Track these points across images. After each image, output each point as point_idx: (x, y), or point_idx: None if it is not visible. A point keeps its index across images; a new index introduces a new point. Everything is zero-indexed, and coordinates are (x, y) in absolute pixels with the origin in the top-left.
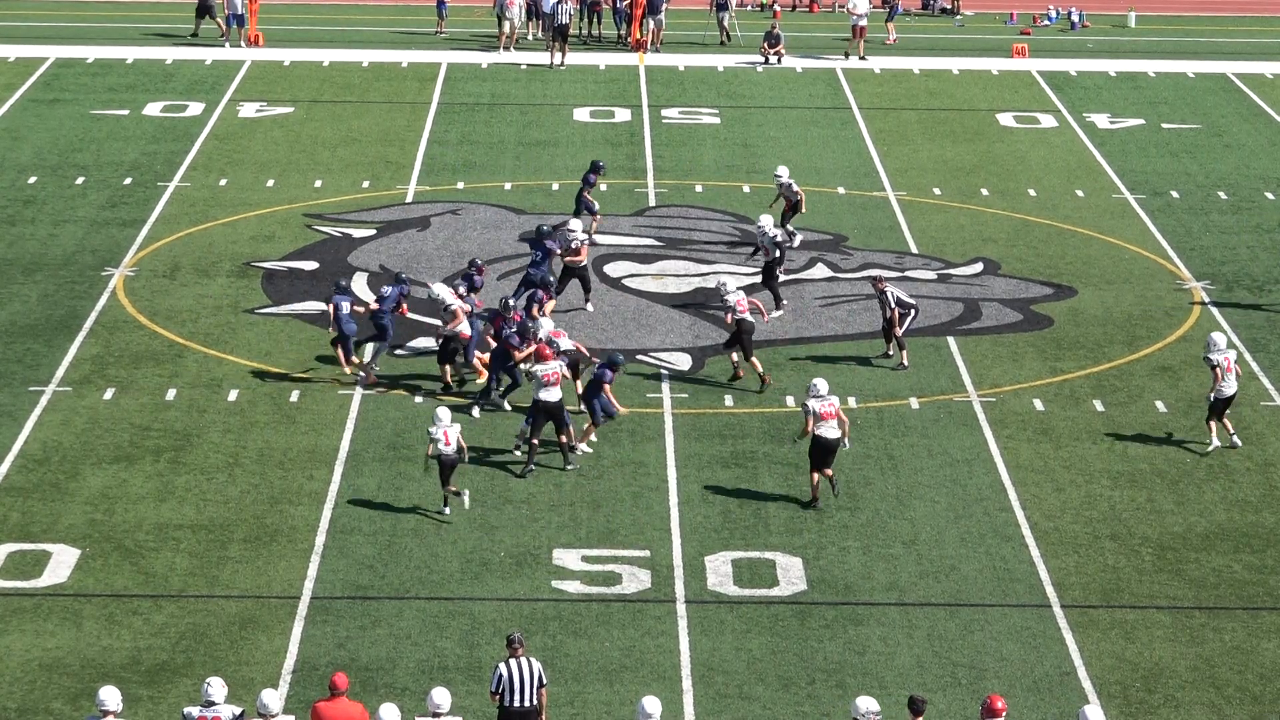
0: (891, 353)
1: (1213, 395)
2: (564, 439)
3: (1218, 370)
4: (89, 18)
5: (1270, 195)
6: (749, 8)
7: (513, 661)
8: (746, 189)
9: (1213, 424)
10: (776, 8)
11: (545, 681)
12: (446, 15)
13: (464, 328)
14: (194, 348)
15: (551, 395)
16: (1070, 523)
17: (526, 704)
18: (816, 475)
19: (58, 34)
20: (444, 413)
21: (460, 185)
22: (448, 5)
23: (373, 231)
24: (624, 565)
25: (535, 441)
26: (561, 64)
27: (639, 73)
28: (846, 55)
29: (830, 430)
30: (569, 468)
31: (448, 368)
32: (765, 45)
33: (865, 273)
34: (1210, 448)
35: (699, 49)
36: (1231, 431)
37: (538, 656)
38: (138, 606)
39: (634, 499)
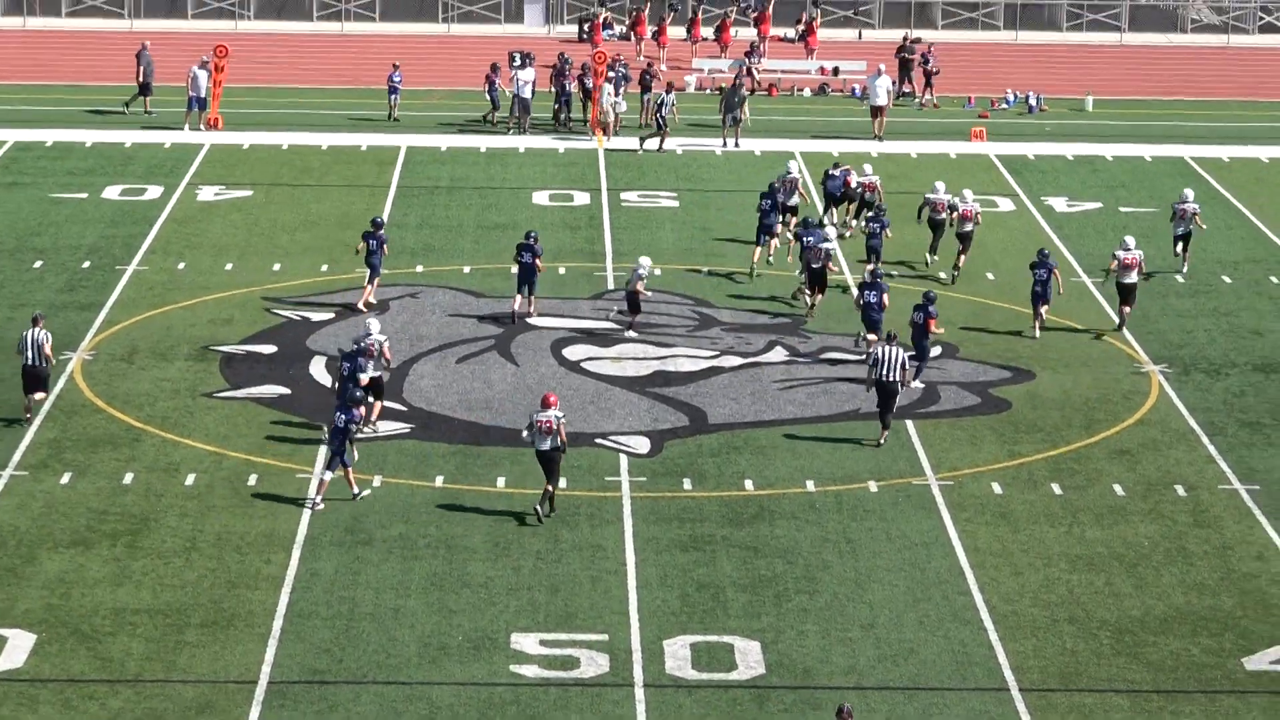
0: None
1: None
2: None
3: (1176, 214)
4: (48, 100)
5: (1227, 279)
6: (707, 90)
7: None
8: (705, 271)
9: (1181, 251)
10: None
11: None
12: (399, 101)
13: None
14: (151, 431)
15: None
16: (1028, 606)
17: None
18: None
19: (16, 117)
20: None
21: (419, 269)
22: (400, 90)
23: (331, 315)
24: (582, 649)
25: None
26: (659, 149)
27: (598, 156)
28: (878, 139)
29: (1130, 277)
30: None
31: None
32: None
33: (823, 355)
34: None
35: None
36: (1183, 261)
37: None
38: (94, 692)
39: (592, 582)
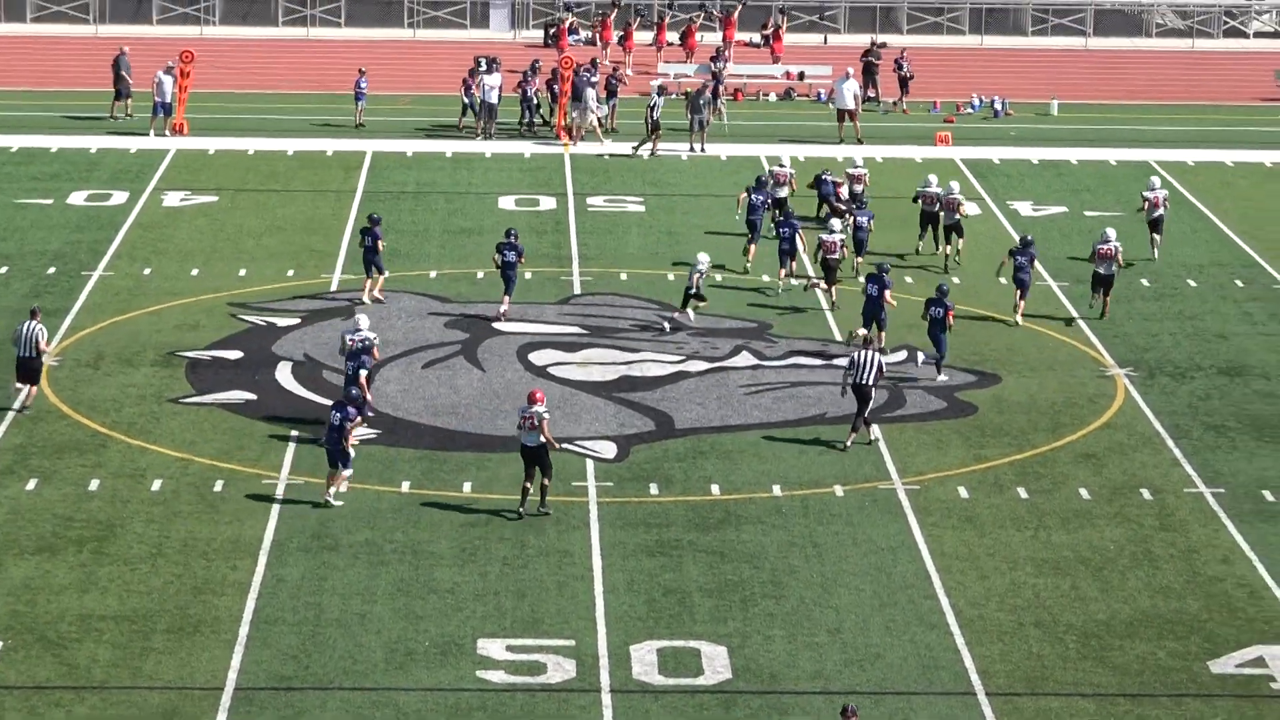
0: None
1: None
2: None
3: (1147, 203)
4: (12, 106)
5: (1192, 282)
6: (673, 95)
7: None
8: (671, 276)
9: (1156, 237)
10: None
11: None
12: (364, 105)
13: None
14: (117, 437)
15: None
16: (995, 610)
17: None
18: (1096, 296)
19: None
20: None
21: (385, 274)
22: (366, 95)
23: (297, 320)
24: (549, 655)
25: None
26: (653, 153)
27: (564, 160)
28: (840, 141)
29: (1107, 268)
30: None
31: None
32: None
33: (789, 361)
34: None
35: (624, 137)
36: (1155, 246)
37: None
38: (60, 699)
39: (559, 588)
